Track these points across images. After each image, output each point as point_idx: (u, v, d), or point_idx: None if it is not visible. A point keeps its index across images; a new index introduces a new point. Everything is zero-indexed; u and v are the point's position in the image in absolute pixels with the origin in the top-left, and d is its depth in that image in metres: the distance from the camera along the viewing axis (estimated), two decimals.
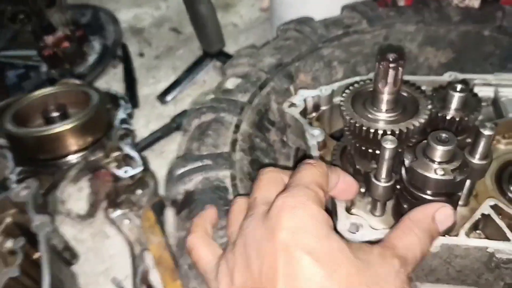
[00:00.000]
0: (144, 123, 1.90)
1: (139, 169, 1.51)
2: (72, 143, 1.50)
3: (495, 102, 1.10)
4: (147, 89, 2.07)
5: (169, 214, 1.05)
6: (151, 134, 1.76)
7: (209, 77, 2.03)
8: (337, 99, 1.16)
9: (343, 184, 0.79)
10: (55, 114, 1.55)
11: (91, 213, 1.51)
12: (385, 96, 0.82)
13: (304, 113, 1.15)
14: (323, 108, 1.19)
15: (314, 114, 1.19)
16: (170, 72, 2.15)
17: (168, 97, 1.96)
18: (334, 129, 1.23)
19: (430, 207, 0.74)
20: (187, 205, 0.98)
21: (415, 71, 1.35)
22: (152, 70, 2.19)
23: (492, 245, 0.76)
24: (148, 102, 1.99)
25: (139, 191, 1.53)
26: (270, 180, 0.73)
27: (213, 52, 1.98)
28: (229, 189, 0.99)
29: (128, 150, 1.56)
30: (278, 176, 0.74)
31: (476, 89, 1.12)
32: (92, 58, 2.15)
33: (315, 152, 1.00)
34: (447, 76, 1.13)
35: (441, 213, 0.73)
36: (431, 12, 1.37)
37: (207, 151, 1.07)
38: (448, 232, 0.85)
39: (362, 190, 0.91)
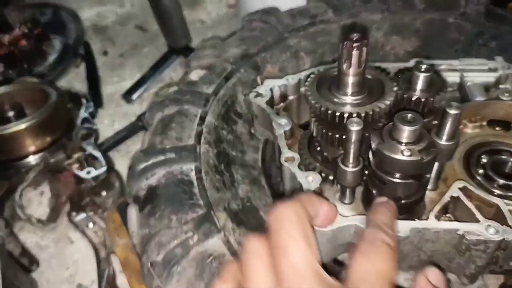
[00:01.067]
0: (109, 122, 1.82)
1: (103, 169, 1.44)
2: (30, 143, 1.42)
3: (461, 87, 1.10)
4: (111, 88, 2.00)
5: (132, 212, 0.99)
6: (116, 134, 1.69)
7: (176, 74, 1.98)
8: (304, 89, 1.14)
9: (323, 214, 0.73)
10: (10, 113, 1.47)
11: (53, 217, 1.43)
12: (350, 78, 0.80)
13: (271, 103, 1.12)
14: (291, 97, 1.16)
15: (281, 104, 1.16)
16: (136, 70, 2.08)
17: (134, 96, 1.90)
18: (303, 120, 1.21)
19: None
20: (150, 201, 0.93)
21: (381, 59, 1.34)
22: (116, 68, 2.12)
23: (462, 226, 0.75)
24: (112, 101, 1.92)
25: (103, 193, 1.47)
26: (256, 260, 0.61)
27: (179, 47, 1.93)
28: (194, 182, 0.94)
29: (91, 150, 1.49)
30: (261, 249, 0.61)
31: (443, 75, 1.11)
32: (52, 57, 2.06)
33: (282, 141, 0.97)
34: (413, 63, 1.12)
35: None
36: (396, 1, 1.37)
37: (171, 144, 1.02)
38: (419, 216, 0.84)
39: (331, 177, 0.89)
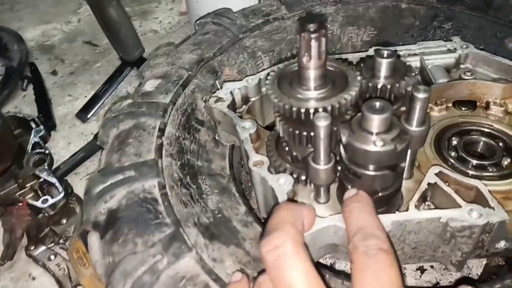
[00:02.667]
0: (64, 145, 1.71)
1: (60, 196, 1.34)
2: None
3: (422, 70, 1.09)
4: (63, 109, 1.88)
5: (93, 240, 0.91)
6: (72, 156, 1.58)
7: (132, 87, 1.89)
8: (265, 87, 1.09)
9: (307, 220, 0.71)
10: None
11: (9, 255, 1.31)
12: (312, 72, 0.75)
13: (232, 107, 1.06)
14: (253, 99, 1.11)
15: (244, 107, 1.11)
16: (88, 87, 1.98)
17: (89, 114, 1.79)
18: (268, 121, 1.16)
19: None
20: (111, 226, 0.85)
21: (340, 52, 1.32)
22: (67, 87, 2.00)
23: (444, 214, 0.71)
24: (66, 122, 1.80)
25: (63, 221, 1.36)
26: None
27: (132, 59, 1.84)
28: (158, 199, 0.87)
29: (45, 176, 1.38)
30: None
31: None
32: None
33: (248, 145, 0.91)
34: (373, 51, 1.09)
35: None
36: None
37: (129, 161, 0.95)
38: (397, 208, 0.80)
39: (303, 177, 0.84)
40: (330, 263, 1.16)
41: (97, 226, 0.88)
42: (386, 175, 0.71)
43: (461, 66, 1.09)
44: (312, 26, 0.70)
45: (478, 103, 1.00)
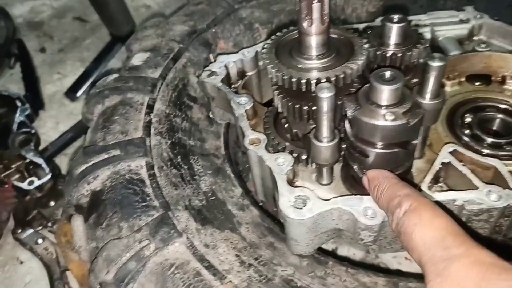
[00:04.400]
0: (53, 124, 1.64)
1: (47, 177, 1.27)
2: None
3: (433, 42, 1.01)
4: (52, 87, 1.80)
5: (76, 223, 0.84)
6: (61, 136, 1.51)
7: (122, 64, 1.80)
8: (261, 57, 1.01)
9: None
10: None
11: None
12: (314, 38, 0.67)
13: (227, 81, 0.98)
14: (249, 73, 1.03)
15: (239, 82, 1.03)
16: (78, 64, 1.89)
17: (78, 93, 1.71)
18: (266, 98, 1.08)
19: None
20: (95, 209, 0.78)
21: (344, 24, 1.23)
22: (56, 65, 1.92)
23: (460, 196, 0.65)
24: (54, 101, 1.73)
25: (51, 203, 1.30)
26: None
27: (123, 35, 1.75)
28: (146, 181, 0.80)
29: (32, 157, 1.31)
30: None
31: None
32: None
33: (243, 122, 0.84)
34: (378, 22, 1.02)
35: None
36: None
37: (114, 140, 0.87)
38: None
39: (304, 157, 0.77)
40: (332, 248, 1.10)
41: (80, 209, 0.82)
42: (396, 153, 0.64)
43: (475, 38, 1.01)
44: None
45: (493, 78, 0.93)
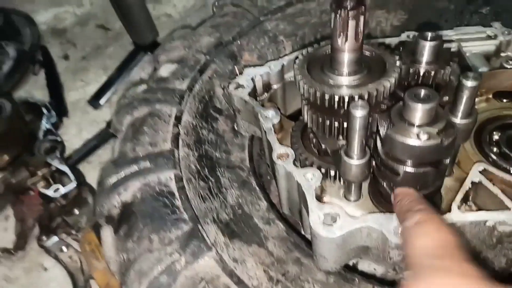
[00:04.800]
0: (76, 132, 1.67)
1: (72, 185, 1.30)
2: None
3: (460, 58, 1.00)
4: (76, 94, 1.83)
5: (106, 234, 0.86)
6: (85, 144, 1.54)
7: (145, 72, 1.82)
8: (289, 75, 1.02)
9: None
10: None
11: (20, 245, 1.28)
12: (347, 55, 0.68)
13: (253, 94, 0.99)
14: (275, 86, 1.04)
15: (265, 95, 1.04)
16: (101, 72, 1.93)
17: (101, 100, 1.74)
18: (290, 110, 1.09)
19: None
20: (126, 221, 0.80)
21: (367, 38, 1.23)
22: (79, 72, 1.95)
23: (492, 216, 0.64)
24: (78, 109, 1.76)
25: (75, 211, 1.32)
26: None
27: (146, 44, 1.78)
28: (175, 193, 0.81)
29: (57, 164, 1.34)
30: None
31: None
32: (6, 66, 1.86)
33: (271, 136, 0.85)
34: (405, 36, 1.02)
35: None
36: None
37: (144, 151, 0.89)
38: (437, 209, 0.73)
39: (332, 172, 0.77)
40: (353, 262, 1.10)
41: (110, 220, 0.83)
42: (428, 172, 0.64)
43: (502, 54, 1.00)
44: (349, 2, 0.63)
45: None
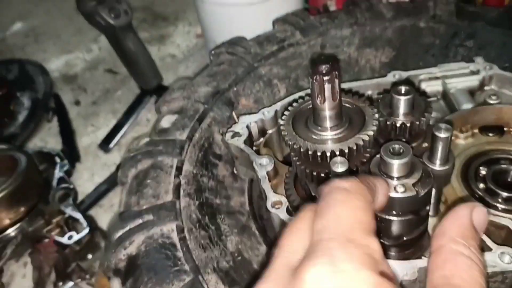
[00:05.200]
0: (88, 176, 1.74)
1: (85, 231, 1.36)
2: (3, 216, 1.32)
3: (445, 95, 1.05)
4: (87, 139, 1.92)
5: (115, 285, 0.90)
6: (96, 188, 1.61)
7: (152, 115, 1.91)
8: (280, 127, 1.08)
9: (382, 195, 0.60)
10: None
11: None
12: (327, 112, 0.73)
13: (250, 140, 1.05)
14: (270, 131, 1.09)
15: (261, 140, 1.09)
16: (110, 116, 2.01)
17: (111, 144, 1.82)
18: (286, 152, 1.14)
19: (462, 210, 0.54)
20: (132, 273, 0.85)
21: (358, 75, 1.29)
22: (90, 117, 2.05)
23: None
24: (89, 153, 1.84)
25: (89, 256, 1.37)
26: (299, 227, 0.51)
27: (151, 88, 1.86)
28: (177, 244, 0.86)
29: (70, 212, 1.40)
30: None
31: (423, 85, 1.06)
32: (22, 116, 1.98)
33: (265, 185, 0.89)
34: (391, 76, 1.07)
35: (477, 214, 0.54)
36: (363, 12, 1.32)
37: (148, 204, 0.95)
38: (424, 250, 0.76)
39: None
40: None
41: (118, 272, 0.88)
42: (410, 219, 0.68)
43: (486, 88, 1.04)
44: (324, 68, 0.68)
45: (505, 128, 0.95)
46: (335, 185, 0.50)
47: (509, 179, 0.89)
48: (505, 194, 0.83)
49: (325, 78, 0.67)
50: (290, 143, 0.76)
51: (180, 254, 0.84)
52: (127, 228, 0.89)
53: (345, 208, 0.47)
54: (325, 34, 1.29)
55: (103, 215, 1.55)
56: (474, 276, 0.48)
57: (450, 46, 1.24)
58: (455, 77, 1.05)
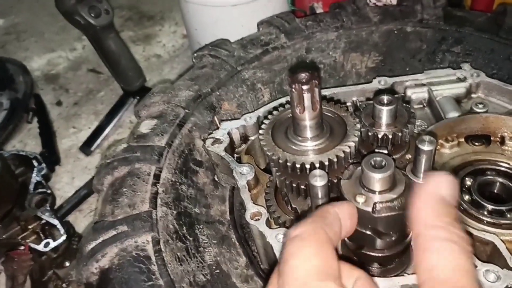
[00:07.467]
0: (68, 180, 1.69)
1: (62, 238, 1.31)
2: None
3: (430, 102, 1.02)
4: (68, 141, 1.87)
5: None
6: (76, 193, 1.56)
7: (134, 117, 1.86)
8: (259, 137, 1.04)
9: (348, 221, 0.58)
10: None
11: None
12: (307, 123, 0.70)
13: (231, 147, 1.02)
14: (252, 138, 1.06)
15: (243, 146, 1.06)
16: (92, 118, 1.96)
17: (92, 147, 1.77)
18: None
19: (428, 187, 0.52)
20: None
21: (344, 80, 1.26)
22: (71, 118, 1.99)
23: None
24: (70, 156, 1.79)
25: (66, 263, 1.33)
26: None
27: (134, 89, 1.81)
28: (152, 257, 0.82)
29: (47, 218, 1.35)
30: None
31: (409, 92, 1.04)
32: (0, 117, 1.91)
33: (245, 195, 0.86)
34: (377, 82, 1.04)
35: (445, 184, 0.52)
36: (349, 16, 1.29)
37: (123, 214, 0.90)
38: (408, 263, 0.74)
39: None
40: None
41: (89, 287, 0.84)
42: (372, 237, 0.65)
43: (472, 95, 1.03)
44: (303, 77, 0.65)
45: (492, 138, 0.93)
46: (289, 236, 0.50)
47: (495, 191, 0.87)
48: (490, 206, 0.81)
49: (304, 87, 0.64)
50: (269, 153, 0.72)
51: (154, 267, 0.80)
52: (100, 240, 0.85)
53: (298, 259, 0.48)
54: (310, 37, 1.27)
55: (82, 220, 1.51)
56: (456, 261, 0.44)
57: (437, 51, 1.21)
58: (442, 84, 1.03)
